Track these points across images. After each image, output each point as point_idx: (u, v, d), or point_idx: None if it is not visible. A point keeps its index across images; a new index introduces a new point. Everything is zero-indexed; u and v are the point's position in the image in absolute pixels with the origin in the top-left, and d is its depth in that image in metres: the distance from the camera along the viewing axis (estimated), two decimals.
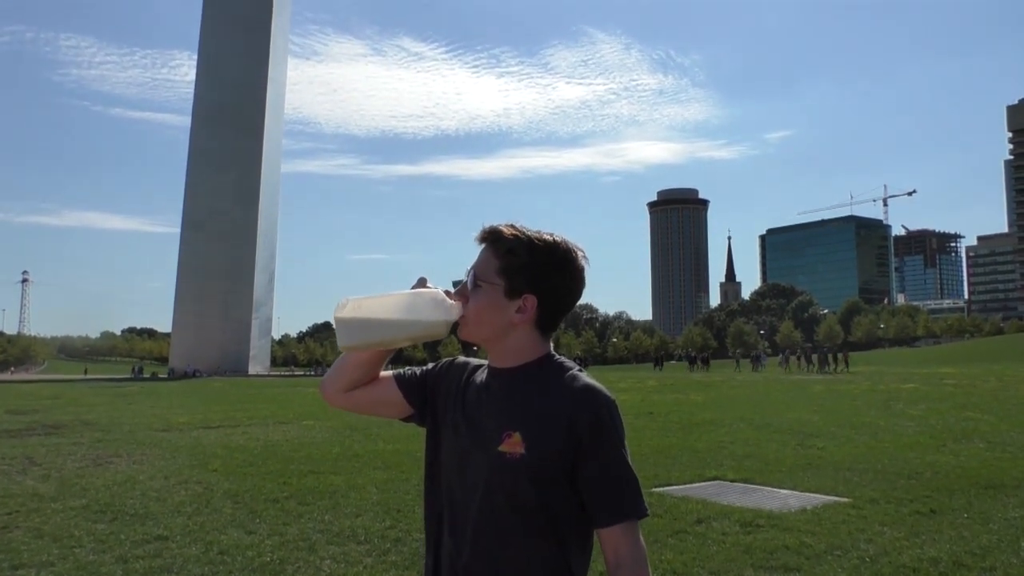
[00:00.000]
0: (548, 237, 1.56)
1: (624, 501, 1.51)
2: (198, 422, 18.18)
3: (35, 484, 9.17)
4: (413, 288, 1.60)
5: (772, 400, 22.76)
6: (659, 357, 72.77)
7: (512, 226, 1.58)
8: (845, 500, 7.64)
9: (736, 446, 11.96)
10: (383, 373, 1.75)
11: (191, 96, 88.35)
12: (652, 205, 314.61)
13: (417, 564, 5.42)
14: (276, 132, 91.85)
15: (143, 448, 12.97)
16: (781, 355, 61.52)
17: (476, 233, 1.60)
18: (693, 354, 71.68)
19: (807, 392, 25.93)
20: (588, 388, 1.53)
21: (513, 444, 1.49)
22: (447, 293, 1.59)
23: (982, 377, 30.77)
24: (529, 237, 1.55)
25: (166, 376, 69.84)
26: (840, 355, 49.54)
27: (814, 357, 51.25)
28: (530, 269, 1.54)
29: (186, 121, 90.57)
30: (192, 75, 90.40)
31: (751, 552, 5.68)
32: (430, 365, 1.76)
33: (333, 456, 11.72)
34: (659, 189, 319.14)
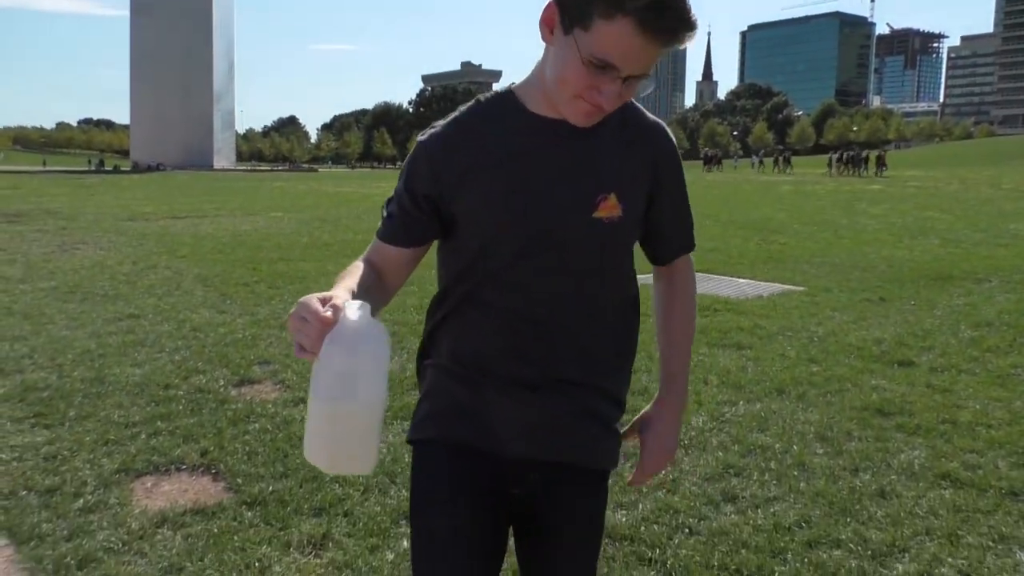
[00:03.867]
0: None
1: (692, 231, 1.49)
2: (164, 212, 18.03)
3: (1, 268, 9.14)
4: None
5: (740, 199, 23.01)
6: None
7: None
8: (800, 289, 7.93)
9: (701, 240, 11.95)
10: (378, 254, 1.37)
11: None
12: None
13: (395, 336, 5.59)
14: None
15: (109, 236, 12.90)
16: (755, 156, 61.64)
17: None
18: (710, 154, 70.60)
19: (775, 192, 26.22)
20: (657, 122, 1.39)
21: (610, 207, 1.30)
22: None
23: (946, 180, 31.24)
24: None
25: (129, 169, 68.31)
26: (876, 158, 44.86)
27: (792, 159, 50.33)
28: None
29: None
30: None
31: (707, 332, 5.94)
32: (405, 177, 1.33)
33: (302, 245, 11.79)
34: None
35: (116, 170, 66.54)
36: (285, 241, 12.25)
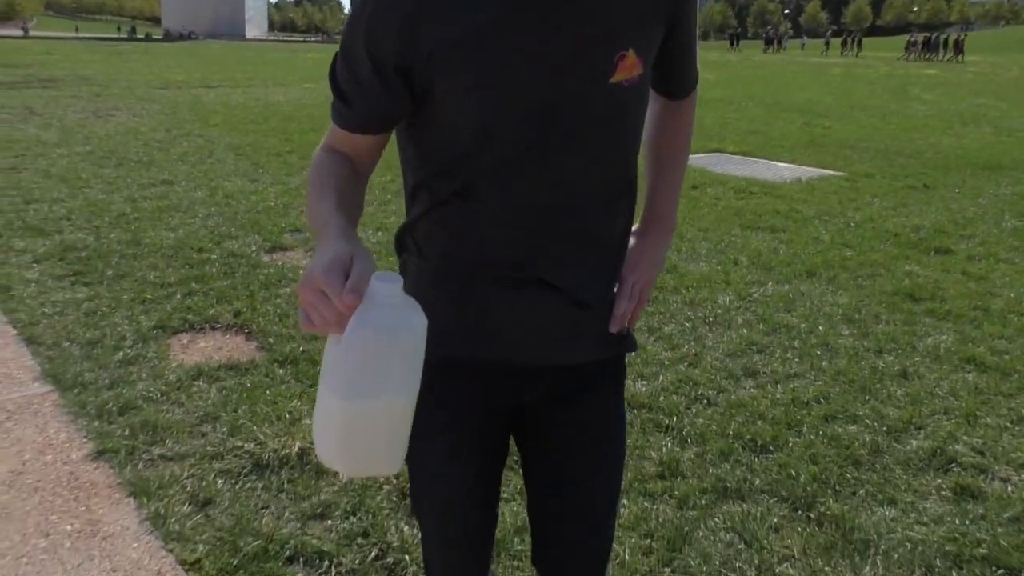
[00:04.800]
0: None
1: (697, 64, 1.30)
2: (196, 81, 17.87)
3: (38, 131, 9.21)
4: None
5: (787, 81, 22.16)
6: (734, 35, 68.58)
7: None
8: (841, 174, 7.73)
9: (742, 123, 11.85)
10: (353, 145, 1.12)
11: None
12: None
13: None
14: None
15: (142, 103, 12.86)
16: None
17: None
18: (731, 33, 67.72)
19: (825, 75, 25.17)
20: None
21: (629, 67, 1.07)
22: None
23: (1006, 66, 29.70)
24: None
25: (160, 38, 67.34)
26: (955, 42, 42.98)
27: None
28: None
29: None
30: None
31: (741, 215, 5.85)
32: (364, 41, 1.01)
33: None
34: None
35: (148, 38, 65.69)
36: (317, 112, 12.12)
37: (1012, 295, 4.22)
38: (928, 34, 49.46)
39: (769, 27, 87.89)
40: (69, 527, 2.20)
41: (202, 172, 7.08)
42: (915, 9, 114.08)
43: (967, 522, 2.35)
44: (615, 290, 1.24)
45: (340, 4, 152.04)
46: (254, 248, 4.80)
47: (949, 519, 2.36)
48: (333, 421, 0.92)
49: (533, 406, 1.26)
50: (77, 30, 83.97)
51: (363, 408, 0.89)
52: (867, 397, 3.05)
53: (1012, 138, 10.69)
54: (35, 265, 4.35)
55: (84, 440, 2.64)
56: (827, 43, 58.54)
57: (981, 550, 2.23)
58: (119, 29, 79.08)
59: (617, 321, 1.23)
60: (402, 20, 0.99)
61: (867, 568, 2.16)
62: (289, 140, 9.10)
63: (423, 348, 0.90)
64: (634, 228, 1.28)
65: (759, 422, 2.85)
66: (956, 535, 2.29)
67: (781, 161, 8.45)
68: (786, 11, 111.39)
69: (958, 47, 42.15)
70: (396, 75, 1.02)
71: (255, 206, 5.85)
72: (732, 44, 60.60)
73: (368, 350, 0.85)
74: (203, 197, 6.09)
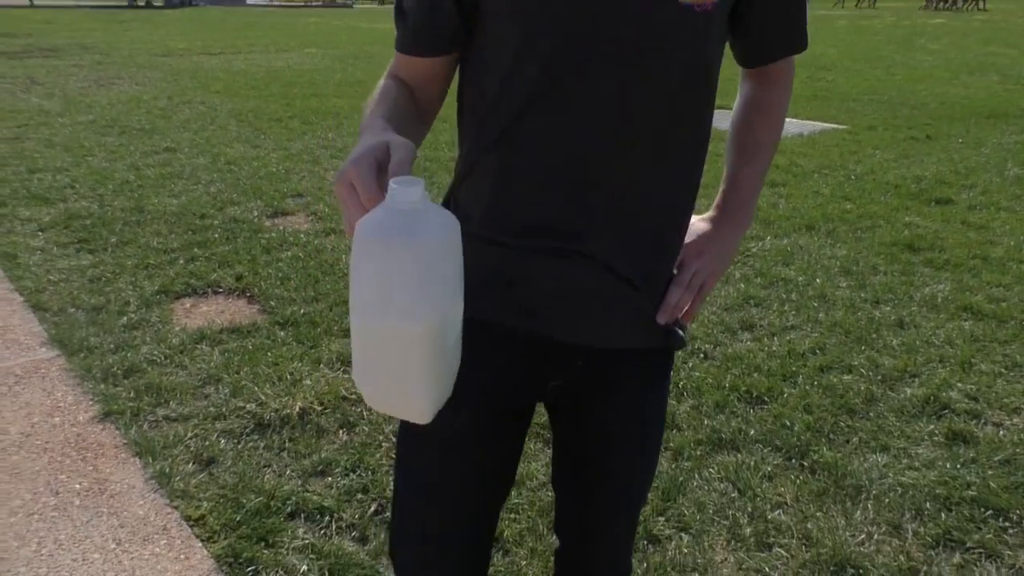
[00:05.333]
0: None
1: (804, 25, 1.12)
2: (198, 48, 17.74)
3: (40, 101, 9.20)
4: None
5: None
6: None
7: None
8: (843, 127, 7.66)
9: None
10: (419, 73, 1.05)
11: None
12: None
13: (426, 173, 5.62)
14: None
15: (144, 71, 12.80)
16: None
17: None
18: None
19: (830, 27, 24.77)
20: None
21: None
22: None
23: (1017, 12, 29.15)
24: None
25: (161, 5, 66.67)
26: None
27: None
28: None
29: None
30: None
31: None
32: None
33: (336, 81, 11.59)
34: None
35: (148, 5, 64.89)
36: (319, 77, 12.05)
37: (1012, 243, 4.21)
38: None
39: None
40: (78, 486, 2.27)
41: (204, 139, 7.08)
42: None
43: (958, 466, 2.39)
44: (674, 276, 1.10)
45: None
46: (256, 213, 4.82)
47: (940, 463, 2.41)
48: (353, 340, 0.82)
49: (566, 388, 1.13)
50: None
51: (368, 330, 0.79)
52: (863, 347, 3.08)
53: (1020, 86, 10.54)
54: (40, 233, 4.39)
55: (90, 403, 2.70)
56: None
57: (971, 492, 2.27)
58: None
59: (667, 311, 1.08)
60: None
61: (858, 512, 2.21)
62: (291, 105, 9.07)
63: (449, 269, 0.79)
64: (706, 215, 1.17)
65: (755, 374, 2.88)
66: (947, 479, 2.33)
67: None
68: None
69: None
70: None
71: (257, 172, 5.86)
72: None
73: (371, 264, 0.75)
74: (205, 164, 6.10)
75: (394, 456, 1.19)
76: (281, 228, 4.57)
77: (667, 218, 1.06)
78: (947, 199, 5.07)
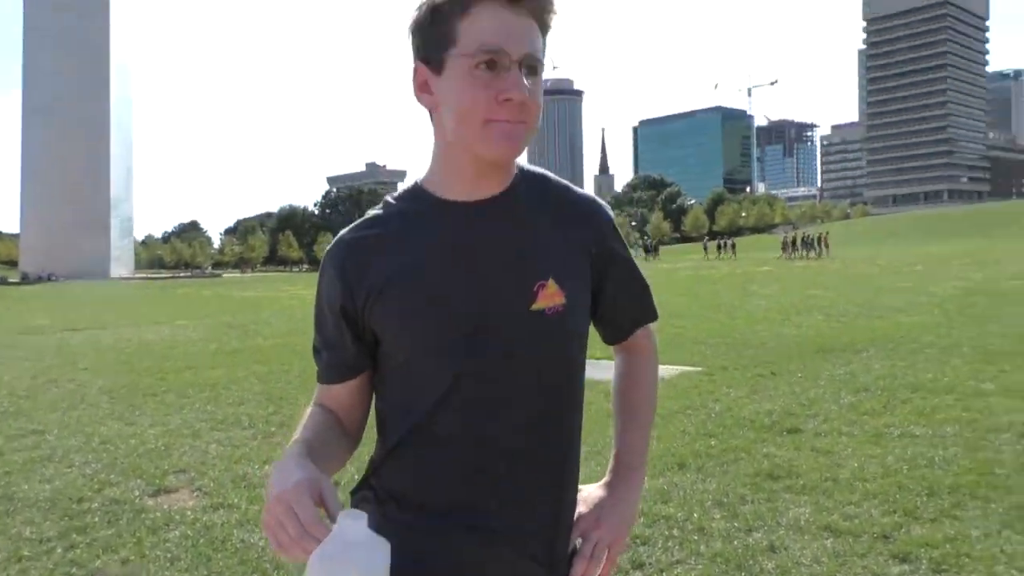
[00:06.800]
0: None
1: (651, 300, 1.36)
2: (60, 325, 17.44)
3: None
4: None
5: None
6: None
7: None
8: (699, 369, 8.41)
9: None
10: (332, 396, 1.22)
11: None
12: None
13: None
14: (127, 7, 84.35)
15: (2, 350, 12.44)
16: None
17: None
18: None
19: (673, 278, 27.42)
20: (588, 195, 1.27)
21: (550, 295, 1.13)
22: None
23: (829, 259, 33.37)
24: None
25: (17, 281, 65.41)
26: (819, 238, 46.56)
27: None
28: None
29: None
30: None
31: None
32: (321, 299, 1.20)
33: (211, 352, 11.66)
34: None
35: (4, 282, 63.52)
36: (193, 349, 12.09)
37: (855, 464, 4.71)
38: (801, 232, 53.96)
39: (647, 237, 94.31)
40: None
41: (74, 418, 6.90)
42: (744, 215, 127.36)
43: None
44: (576, 548, 1.20)
45: (208, 239, 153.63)
46: (137, 493, 4.71)
47: None
48: None
49: None
50: None
51: None
52: (743, 574, 3.31)
53: (840, 323, 11.98)
54: None
55: None
56: (705, 248, 60.25)
57: None
58: None
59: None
60: (343, 278, 1.14)
61: None
62: (164, 379, 9.02)
63: None
64: (601, 481, 1.28)
65: None
66: None
67: None
68: (633, 223, 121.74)
69: (825, 243, 45.96)
70: (348, 322, 1.15)
71: (134, 449, 5.75)
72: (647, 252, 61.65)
73: None
74: (78, 444, 5.93)
75: None
76: (166, 507, 4.47)
77: (561, 492, 1.19)
78: (796, 428, 5.63)
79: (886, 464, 4.70)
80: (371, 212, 1.21)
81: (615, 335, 1.35)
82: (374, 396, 1.23)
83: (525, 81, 1.06)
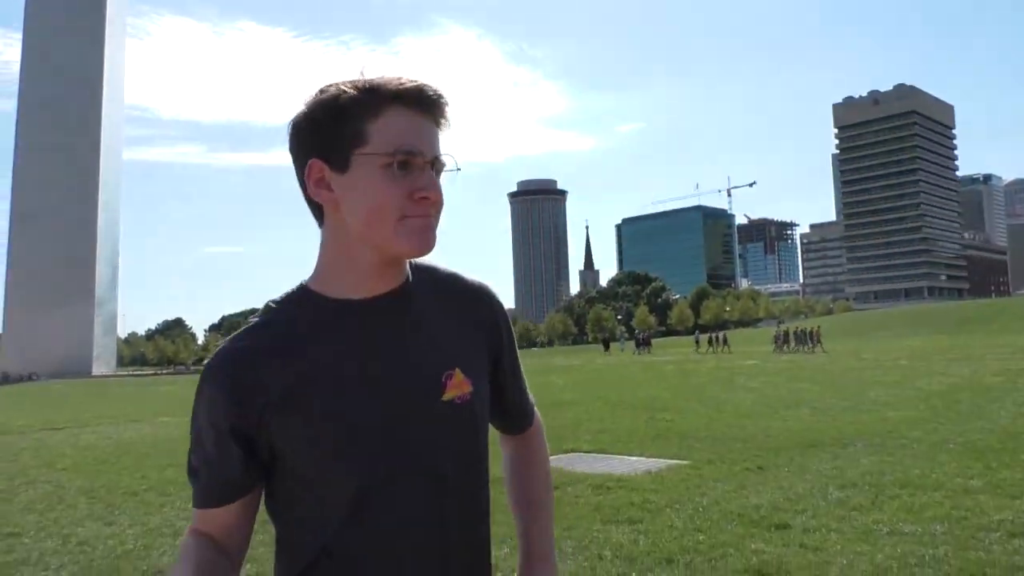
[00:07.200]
0: None
1: (530, 398, 1.38)
2: (40, 424, 17.17)
3: None
4: None
5: (628, 380, 23.95)
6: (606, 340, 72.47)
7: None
8: (686, 462, 8.37)
9: (592, 422, 12.66)
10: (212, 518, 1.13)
11: (16, 82, 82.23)
12: (513, 195, 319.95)
13: None
14: (116, 120, 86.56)
15: None
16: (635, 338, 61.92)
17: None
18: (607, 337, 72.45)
19: (658, 372, 27.43)
20: (481, 284, 1.27)
21: (458, 384, 1.14)
22: None
23: (813, 354, 33.55)
24: None
25: None
26: (811, 333, 45.36)
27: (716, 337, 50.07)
28: None
29: (11, 105, 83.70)
30: (17, 60, 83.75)
31: (600, 510, 6.21)
32: (203, 414, 1.10)
33: None
34: (519, 180, 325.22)
35: None
36: (175, 446, 11.89)
37: (844, 561, 4.67)
38: (794, 326, 53.58)
39: (638, 331, 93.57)
40: None
41: (51, 520, 6.75)
42: (728, 309, 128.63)
43: None
44: None
45: (193, 335, 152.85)
46: None
47: None
48: None
49: None
50: None
51: None
52: None
53: (827, 417, 11.99)
54: None
55: None
56: (697, 341, 57.08)
57: None
58: None
59: None
60: (231, 392, 1.06)
61: None
62: (146, 478, 8.87)
63: None
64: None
65: None
66: None
67: (632, 455, 9.07)
68: (619, 316, 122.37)
69: (817, 337, 45.74)
70: (234, 437, 1.06)
71: (113, 551, 5.62)
72: (606, 348, 60.70)
73: None
74: (55, 546, 5.79)
75: None
76: None
77: None
78: (784, 524, 5.59)
79: (876, 562, 4.67)
80: (253, 319, 1.15)
81: (514, 426, 1.36)
82: (272, 517, 1.16)
83: (435, 179, 1.09)
